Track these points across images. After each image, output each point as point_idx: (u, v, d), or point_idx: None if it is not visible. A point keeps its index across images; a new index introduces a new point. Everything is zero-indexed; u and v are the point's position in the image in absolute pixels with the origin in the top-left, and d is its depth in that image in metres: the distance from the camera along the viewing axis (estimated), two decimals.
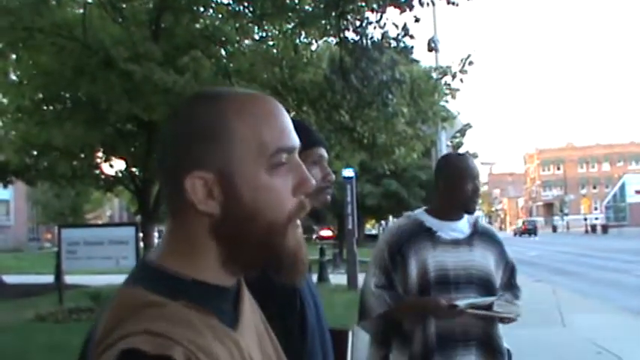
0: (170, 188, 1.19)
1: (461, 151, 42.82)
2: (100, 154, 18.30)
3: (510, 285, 3.70)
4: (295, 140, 1.22)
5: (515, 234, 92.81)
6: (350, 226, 19.65)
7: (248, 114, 1.18)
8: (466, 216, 3.55)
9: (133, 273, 1.20)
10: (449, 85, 16.97)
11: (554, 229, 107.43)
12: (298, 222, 1.22)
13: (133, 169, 17.69)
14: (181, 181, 1.15)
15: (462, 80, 16.31)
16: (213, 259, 1.18)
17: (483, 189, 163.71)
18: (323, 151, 2.34)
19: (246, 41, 14.93)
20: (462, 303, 3.25)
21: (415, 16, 11.69)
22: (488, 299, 3.33)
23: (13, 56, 14.75)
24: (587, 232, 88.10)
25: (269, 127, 1.18)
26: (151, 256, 1.21)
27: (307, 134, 2.19)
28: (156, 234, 17.20)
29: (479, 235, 3.53)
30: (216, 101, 1.19)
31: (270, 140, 1.17)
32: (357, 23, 12.15)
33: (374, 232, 71.89)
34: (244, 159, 1.16)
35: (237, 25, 13.69)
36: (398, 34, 11.81)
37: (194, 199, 1.14)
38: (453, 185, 3.47)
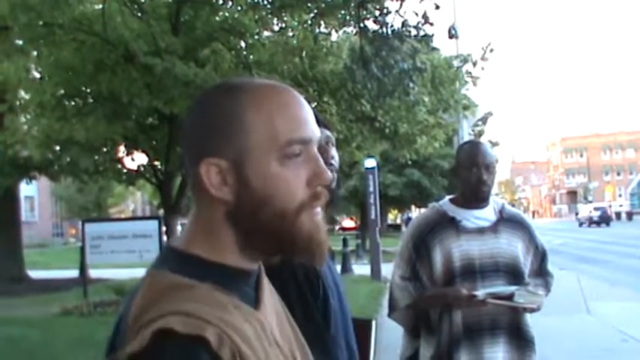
0: (190, 175, 1.25)
1: (482, 139, 42.67)
2: (122, 148, 18.37)
3: (540, 271, 3.67)
4: (311, 132, 1.26)
5: None
6: (373, 217, 19.63)
7: (263, 106, 1.23)
8: (492, 202, 3.52)
9: (160, 257, 1.27)
10: (470, 72, 16.88)
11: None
12: (318, 209, 1.26)
13: (155, 163, 17.75)
14: (197, 168, 1.21)
15: (483, 68, 16.22)
16: (233, 243, 1.23)
17: (505, 178, 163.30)
18: (324, 132, 2.29)
19: (266, 32, 14.93)
20: (481, 292, 3.23)
21: (435, 4, 11.61)
22: (508, 289, 3.30)
23: (34, 53, 14.83)
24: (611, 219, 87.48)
25: (283, 118, 1.23)
26: (176, 241, 1.28)
27: None
28: (179, 227, 17.24)
29: (505, 221, 3.50)
30: (235, 93, 1.25)
31: (282, 132, 1.21)
32: (377, 12, 12.08)
33: (397, 222, 71.93)
34: (256, 149, 1.21)
35: (256, 16, 13.67)
36: (418, 22, 11.72)
37: (208, 185, 1.21)
38: (461, 173, 3.47)
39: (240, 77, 1.31)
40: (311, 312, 2.03)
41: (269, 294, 1.34)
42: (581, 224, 70.04)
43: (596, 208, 72.43)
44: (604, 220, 67.48)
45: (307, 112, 1.28)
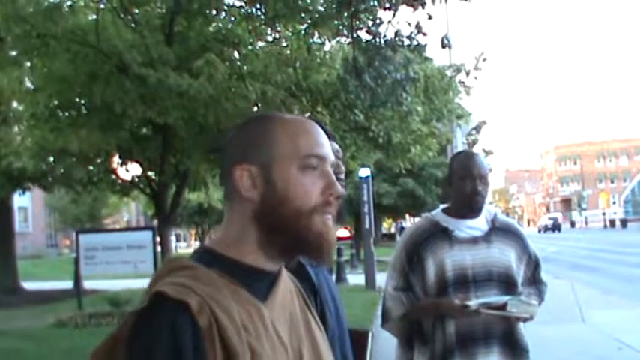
0: (226, 182, 1.52)
1: (476, 148, 42.70)
2: (115, 158, 18.34)
3: (534, 280, 3.67)
4: (326, 152, 1.53)
5: None
6: (367, 226, 19.62)
7: (289, 128, 1.52)
8: (484, 212, 3.53)
9: (193, 252, 1.55)
10: (463, 82, 16.94)
11: (573, 224, 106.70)
12: (330, 216, 1.49)
13: (149, 173, 17.71)
14: (232, 172, 1.48)
15: (476, 77, 16.29)
16: (254, 241, 1.48)
17: (499, 186, 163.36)
18: (334, 145, 2.36)
19: (260, 43, 14.93)
20: (474, 302, 3.23)
21: (428, 14, 11.64)
22: (501, 298, 3.30)
23: (28, 64, 14.81)
24: (605, 227, 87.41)
25: (304, 138, 1.50)
26: (208, 241, 1.63)
27: None
28: (173, 237, 17.21)
29: (498, 230, 3.50)
30: (268, 119, 1.55)
31: (303, 147, 1.49)
32: (370, 23, 12.12)
33: (392, 231, 71.89)
34: (281, 158, 1.48)
35: (249, 27, 13.69)
36: (411, 32, 11.75)
37: (240, 187, 1.48)
38: (455, 184, 3.48)
39: (273, 112, 1.64)
40: None
41: (286, 295, 1.56)
42: (539, 231, 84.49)
43: (549, 218, 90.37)
44: (555, 227, 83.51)
45: (324, 138, 1.55)
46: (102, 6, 13.67)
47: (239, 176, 1.48)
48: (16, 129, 18.36)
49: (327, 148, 1.55)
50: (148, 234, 14.89)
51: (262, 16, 13.46)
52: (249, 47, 14.52)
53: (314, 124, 1.57)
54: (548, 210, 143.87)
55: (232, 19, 14.16)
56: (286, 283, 1.58)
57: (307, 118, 1.62)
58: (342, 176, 2.52)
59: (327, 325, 2.12)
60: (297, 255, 1.56)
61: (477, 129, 42.78)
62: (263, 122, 1.54)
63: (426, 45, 12.28)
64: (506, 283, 3.41)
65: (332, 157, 1.55)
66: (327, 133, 2.51)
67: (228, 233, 1.51)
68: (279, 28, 14.14)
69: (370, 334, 2.84)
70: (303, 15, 12.89)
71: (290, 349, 1.46)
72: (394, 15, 11.81)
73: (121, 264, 14.49)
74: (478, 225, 3.49)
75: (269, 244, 1.48)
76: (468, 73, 16.32)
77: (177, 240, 72.66)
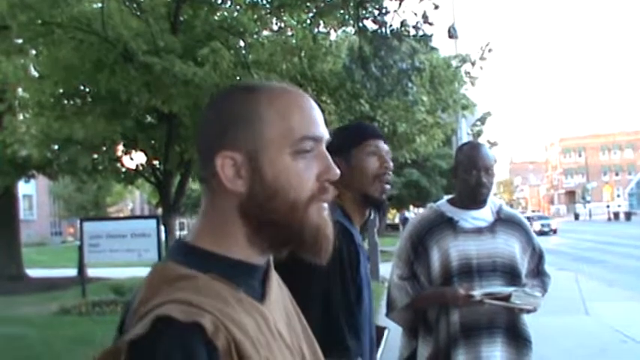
0: (204, 168, 1.30)
1: (481, 139, 42.66)
2: (120, 147, 18.34)
3: (538, 272, 3.67)
4: (323, 132, 1.32)
5: None
6: (371, 216, 19.59)
7: (279, 103, 1.29)
8: (489, 203, 3.52)
9: (169, 250, 1.33)
10: (468, 72, 16.88)
11: (577, 216, 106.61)
12: (325, 205, 1.31)
13: (154, 162, 17.72)
14: (213, 161, 1.26)
15: (481, 68, 16.23)
16: (241, 236, 1.28)
17: (504, 178, 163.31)
18: (378, 143, 2.60)
19: (265, 32, 14.90)
20: (478, 293, 3.23)
21: (434, 4, 11.60)
22: (506, 289, 3.30)
23: (33, 51, 14.79)
24: (609, 219, 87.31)
25: (297, 116, 1.29)
26: (187, 236, 1.32)
27: (360, 130, 2.61)
28: (177, 226, 17.21)
29: (503, 222, 3.51)
30: (252, 91, 1.31)
31: (296, 128, 1.27)
32: (376, 12, 12.07)
33: (396, 221, 71.93)
34: (271, 143, 1.26)
35: (255, 16, 13.66)
36: (417, 22, 11.71)
37: (223, 178, 1.25)
38: (460, 175, 3.48)
39: (256, 81, 1.45)
40: (347, 292, 2.22)
41: (277, 289, 1.39)
42: None
43: (520, 212, 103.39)
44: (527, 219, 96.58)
45: (318, 113, 1.34)
46: None
47: (221, 165, 1.26)
48: (21, 117, 18.35)
49: (322, 124, 1.33)
50: (153, 222, 14.90)
51: (268, 5, 13.44)
52: (255, 36, 14.48)
53: (306, 96, 1.35)
54: (552, 202, 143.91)
55: (238, 7, 14.12)
56: (274, 275, 1.41)
57: (295, 87, 1.37)
58: (390, 172, 2.65)
59: (361, 299, 2.28)
60: (289, 249, 1.32)
61: (482, 120, 42.70)
62: (246, 96, 1.31)
63: (432, 35, 12.23)
64: (510, 274, 3.42)
65: (327, 135, 1.34)
66: (378, 134, 2.68)
67: (210, 227, 1.29)
68: (284, 18, 14.11)
69: (387, 332, 2.91)
70: (308, 4, 12.86)
71: (293, 349, 1.32)
72: (400, 4, 11.76)
73: (125, 252, 14.50)
74: (483, 216, 3.49)
75: (260, 239, 1.29)
76: (473, 64, 16.27)
77: (182, 229, 72.77)
